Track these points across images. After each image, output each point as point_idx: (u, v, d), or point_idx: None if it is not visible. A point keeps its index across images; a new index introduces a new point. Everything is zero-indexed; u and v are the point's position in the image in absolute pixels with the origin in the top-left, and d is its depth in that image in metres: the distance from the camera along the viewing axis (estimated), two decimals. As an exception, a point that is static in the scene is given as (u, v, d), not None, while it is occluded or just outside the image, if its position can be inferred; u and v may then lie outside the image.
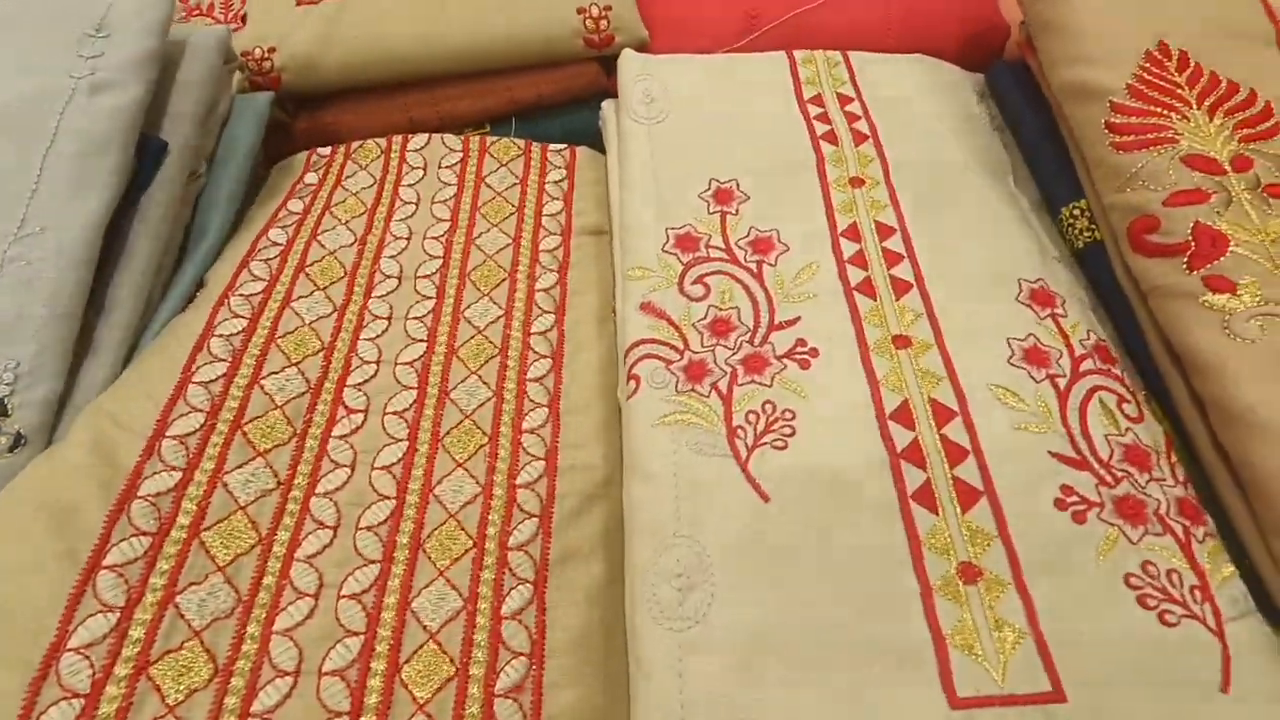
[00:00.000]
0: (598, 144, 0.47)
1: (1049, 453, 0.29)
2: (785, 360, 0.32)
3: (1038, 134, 0.40)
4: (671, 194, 0.38)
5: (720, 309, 0.34)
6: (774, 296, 0.34)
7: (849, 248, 0.36)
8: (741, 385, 0.31)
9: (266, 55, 0.44)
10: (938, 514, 0.28)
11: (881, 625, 0.25)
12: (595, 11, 0.44)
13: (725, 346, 0.32)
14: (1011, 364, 0.31)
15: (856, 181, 0.39)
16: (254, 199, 0.43)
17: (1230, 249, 0.30)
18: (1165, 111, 0.34)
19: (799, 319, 0.33)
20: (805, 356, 0.32)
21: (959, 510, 0.28)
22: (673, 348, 0.32)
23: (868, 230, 0.36)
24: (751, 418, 0.30)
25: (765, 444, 0.29)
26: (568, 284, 0.39)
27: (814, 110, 0.42)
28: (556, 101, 0.48)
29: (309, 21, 0.44)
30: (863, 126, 0.41)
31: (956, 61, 0.47)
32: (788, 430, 0.30)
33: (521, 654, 0.27)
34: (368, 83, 0.45)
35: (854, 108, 0.42)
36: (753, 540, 0.27)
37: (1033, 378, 0.31)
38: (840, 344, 0.32)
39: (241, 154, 0.42)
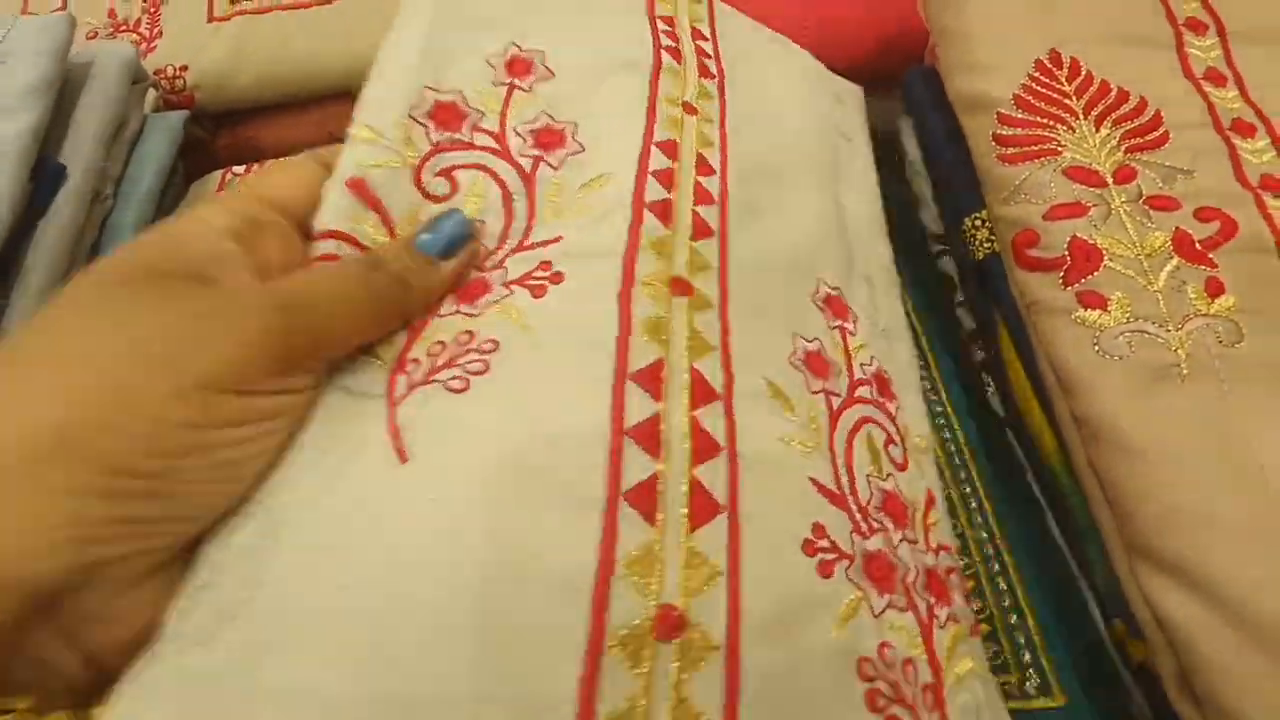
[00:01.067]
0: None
1: (810, 478, 0.22)
2: (514, 287, 0.23)
3: (943, 141, 0.40)
4: (451, 43, 0.28)
5: None
6: (538, 208, 0.26)
7: (659, 161, 0.27)
8: (442, 316, 0.23)
9: (179, 74, 0.44)
10: (654, 526, 0.19)
11: (509, 689, 0.16)
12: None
13: None
14: (792, 363, 0.25)
15: (689, 108, 0.30)
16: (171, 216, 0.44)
17: (1104, 264, 0.30)
18: (1051, 122, 0.33)
19: (559, 238, 0.24)
20: (544, 281, 0.23)
21: (686, 526, 0.19)
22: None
23: (687, 153, 0.28)
24: (436, 349, 0.21)
25: (437, 381, 0.21)
26: None
27: (663, 26, 0.34)
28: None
29: (220, 39, 0.44)
30: (711, 65, 0.33)
31: (875, 67, 0.47)
32: (479, 366, 0.21)
33: None
34: (282, 99, 0.45)
35: (706, 46, 0.34)
36: (366, 526, 0.18)
37: (809, 386, 0.25)
38: (598, 267, 0.24)
39: (151, 173, 0.42)
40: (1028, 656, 0.31)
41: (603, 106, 0.29)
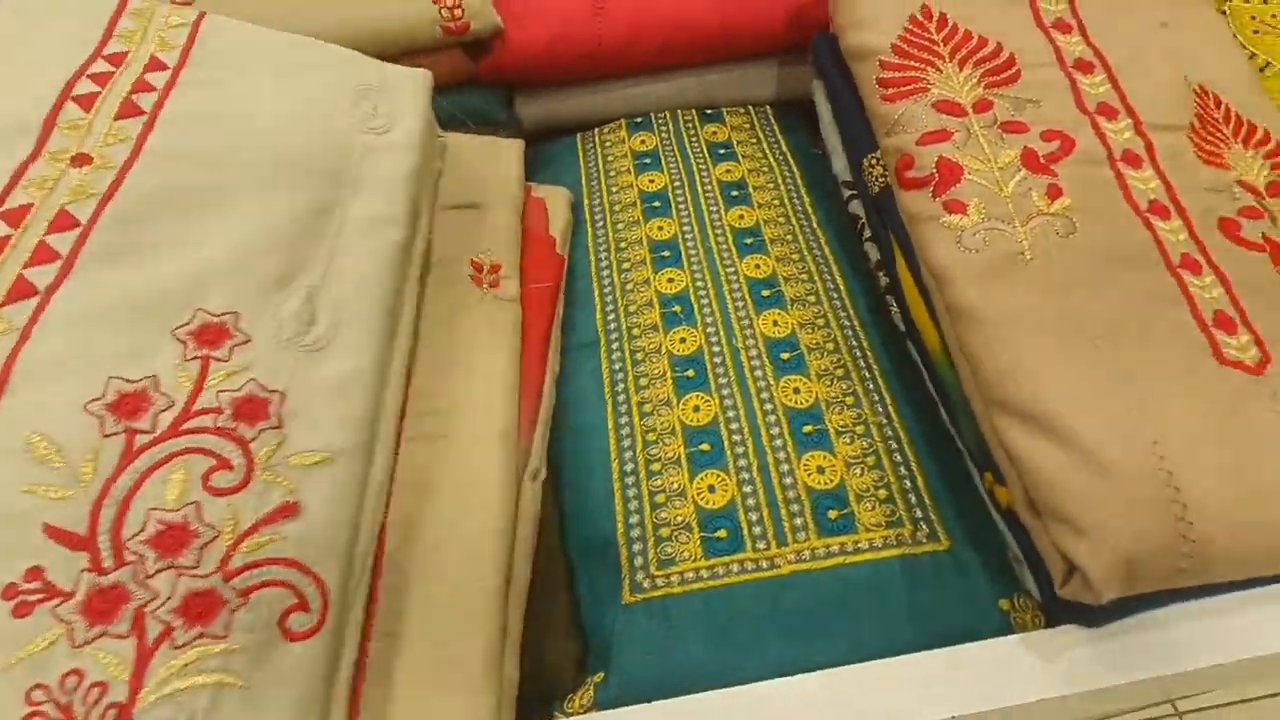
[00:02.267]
0: (469, 125, 0.51)
1: (45, 523, 0.25)
2: None
3: (843, 94, 0.46)
4: None
5: None
6: None
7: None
8: None
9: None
10: None
11: None
12: (450, 0, 0.49)
13: None
14: (89, 409, 0.27)
15: (81, 159, 0.33)
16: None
17: (964, 177, 0.36)
18: (923, 66, 0.39)
19: None
20: None
21: None
22: None
23: (42, 215, 0.31)
24: None
25: None
26: None
27: (99, 68, 0.36)
28: (429, 87, 0.52)
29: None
30: (142, 100, 0.36)
31: (785, 35, 0.53)
32: None
33: None
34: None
35: (157, 78, 0.37)
36: None
37: (104, 429, 0.27)
38: None
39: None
40: (919, 513, 0.36)
41: None
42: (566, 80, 0.55)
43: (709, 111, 0.58)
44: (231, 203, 0.34)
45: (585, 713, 0.33)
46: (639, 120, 0.57)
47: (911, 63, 0.39)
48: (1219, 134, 0.40)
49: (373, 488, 0.32)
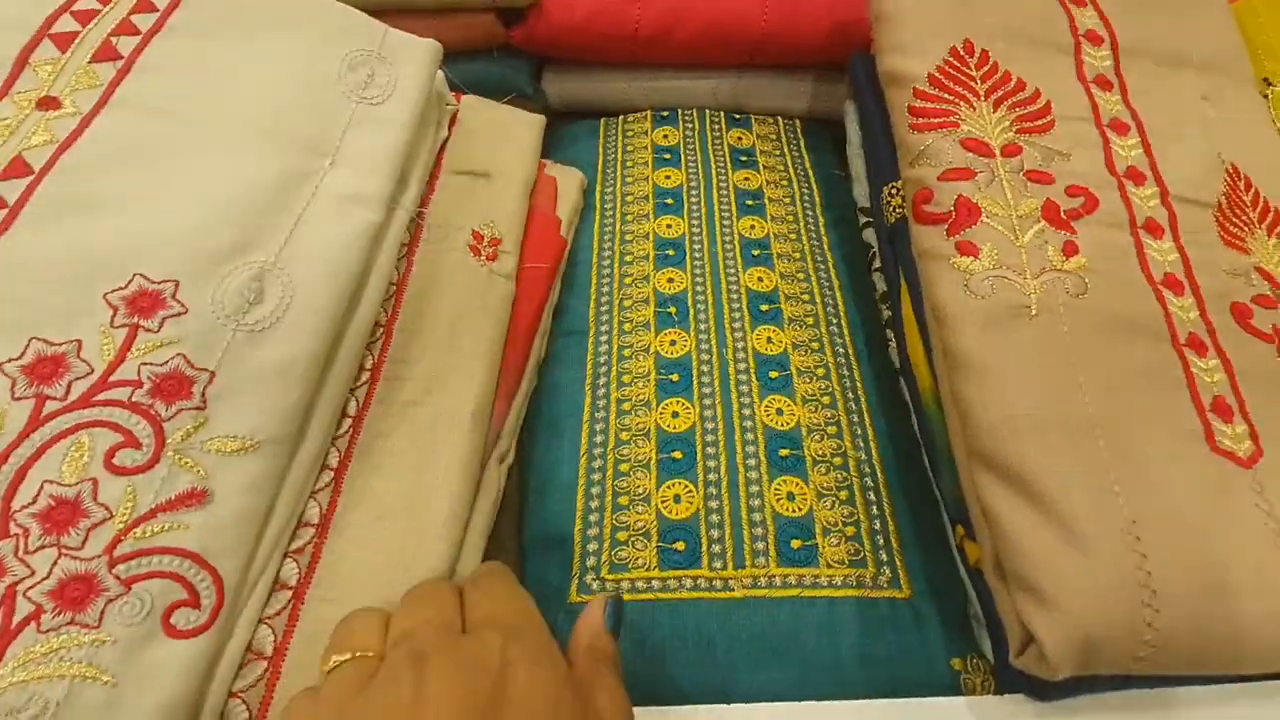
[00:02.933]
0: (492, 94, 0.50)
1: None
2: None
3: (874, 118, 0.45)
4: None
5: None
6: None
7: None
8: None
9: None
10: None
11: None
12: (493, -37, 0.47)
13: None
14: (4, 369, 0.26)
15: (48, 102, 0.32)
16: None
17: (982, 219, 0.35)
18: (956, 100, 0.38)
19: None
20: None
21: None
22: None
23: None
24: None
25: None
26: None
27: (84, 4, 0.35)
28: (455, 49, 0.51)
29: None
30: (121, 45, 0.34)
31: (826, 50, 0.52)
32: None
33: None
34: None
35: (144, 19, 0.35)
36: None
37: (14, 391, 0.26)
38: None
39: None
40: (884, 555, 0.36)
41: None
42: (598, 61, 0.54)
43: (737, 116, 0.57)
44: (196, 162, 0.32)
45: None
46: (665, 114, 0.56)
47: (946, 95, 0.38)
48: (1244, 217, 0.39)
49: (296, 478, 0.31)
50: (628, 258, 0.48)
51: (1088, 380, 0.31)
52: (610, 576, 0.35)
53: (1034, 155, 0.37)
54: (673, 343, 0.43)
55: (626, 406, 0.40)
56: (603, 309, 0.45)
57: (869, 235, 0.47)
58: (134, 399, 0.27)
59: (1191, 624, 0.27)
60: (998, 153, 0.36)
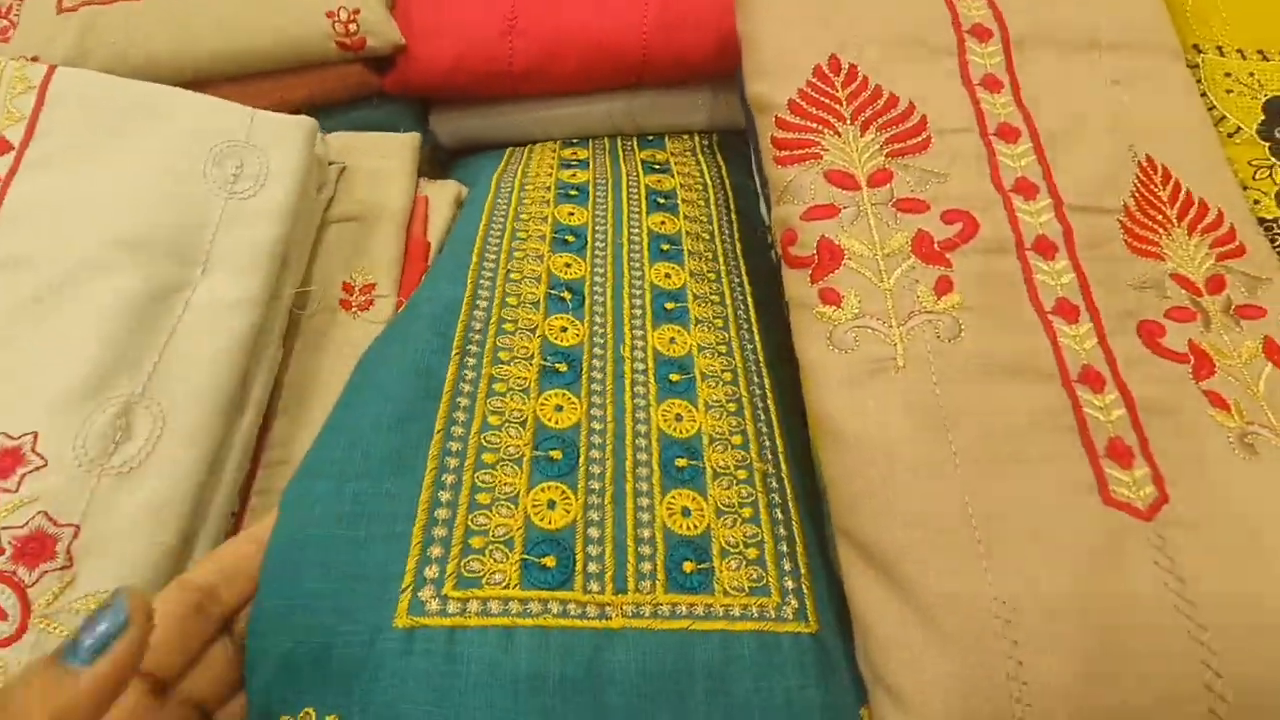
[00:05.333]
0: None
1: None
2: None
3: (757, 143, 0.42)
4: None
5: None
6: None
7: None
8: None
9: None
10: None
11: None
12: (344, 15, 0.45)
13: None
14: None
15: None
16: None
17: (844, 263, 0.32)
18: (819, 127, 0.35)
19: None
20: None
21: None
22: None
23: None
24: None
25: None
26: None
27: None
28: (331, 102, 0.49)
29: (68, 30, 0.45)
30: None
31: (716, 62, 0.48)
32: None
33: None
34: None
35: (2, 165, 0.35)
36: None
37: None
38: None
39: None
40: (790, 583, 0.31)
41: None
42: (480, 98, 0.51)
43: (650, 137, 0.54)
44: (57, 305, 0.31)
45: None
46: (574, 141, 0.53)
47: (809, 123, 0.35)
48: (1159, 217, 0.35)
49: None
50: (521, 234, 0.42)
51: (959, 438, 0.28)
52: (455, 593, 0.29)
53: (906, 181, 0.33)
54: (564, 329, 0.38)
55: (500, 388, 0.35)
56: (484, 280, 0.40)
57: (774, 256, 0.44)
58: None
59: (1069, 714, 0.24)
60: (864, 183, 0.33)
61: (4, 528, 0.27)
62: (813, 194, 0.33)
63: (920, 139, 0.34)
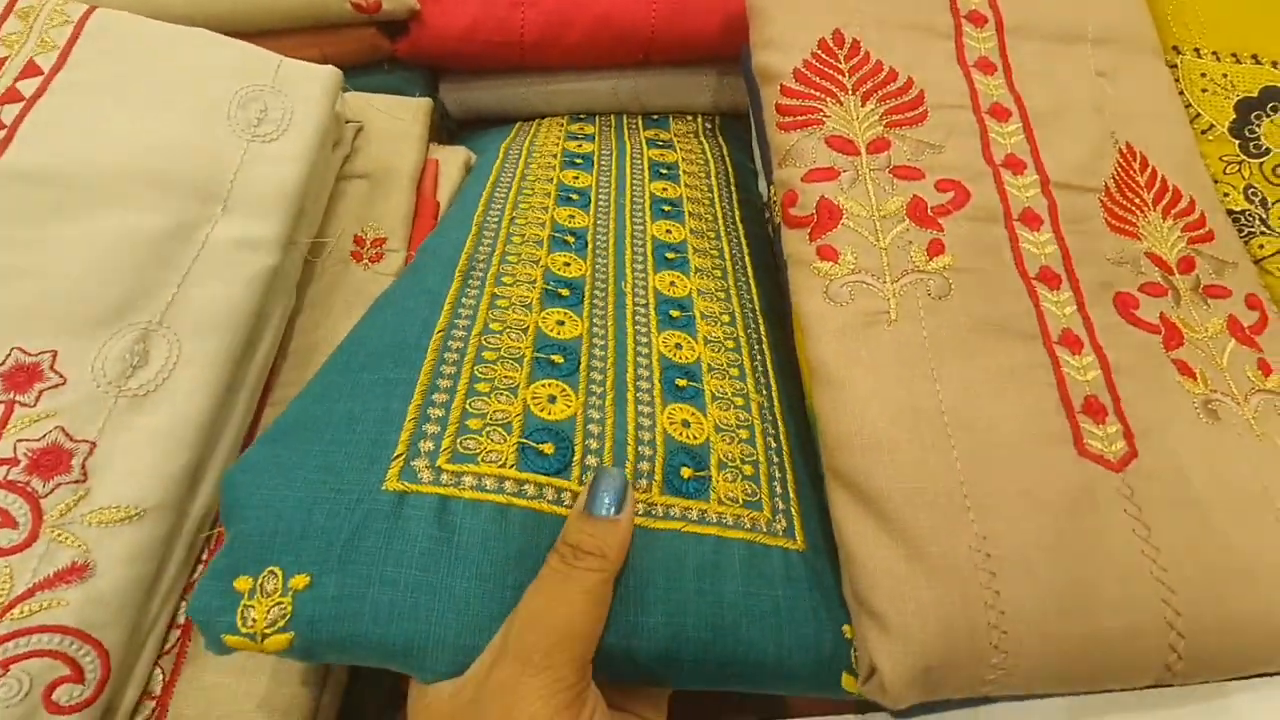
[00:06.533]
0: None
1: None
2: None
3: (760, 115, 0.43)
4: None
5: None
6: None
7: None
8: None
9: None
10: None
11: None
12: (360, -23, 0.46)
13: None
14: None
15: None
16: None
17: (842, 222, 0.33)
18: (822, 95, 0.36)
19: None
20: None
21: None
22: None
23: None
24: None
25: None
26: None
27: None
28: (343, 64, 0.49)
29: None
30: (9, 114, 0.34)
31: (721, 43, 0.50)
32: None
33: None
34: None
35: (29, 86, 0.35)
36: None
37: None
38: None
39: None
40: (780, 504, 0.31)
41: None
42: (489, 69, 0.52)
43: (655, 117, 0.55)
44: (78, 225, 0.32)
45: (273, 630, 0.25)
46: (580, 116, 0.54)
47: (813, 91, 0.36)
48: (1136, 200, 0.37)
49: (184, 540, 0.31)
50: (527, 192, 0.43)
51: (946, 387, 0.30)
52: (449, 466, 0.28)
53: (903, 149, 0.35)
54: (566, 264, 0.37)
55: (503, 303, 0.34)
56: (489, 224, 0.39)
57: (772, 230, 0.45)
58: (9, 477, 0.27)
59: (1044, 645, 0.26)
60: (863, 149, 0.35)
61: (20, 440, 0.28)
62: (814, 157, 0.35)
63: (918, 112, 0.36)
